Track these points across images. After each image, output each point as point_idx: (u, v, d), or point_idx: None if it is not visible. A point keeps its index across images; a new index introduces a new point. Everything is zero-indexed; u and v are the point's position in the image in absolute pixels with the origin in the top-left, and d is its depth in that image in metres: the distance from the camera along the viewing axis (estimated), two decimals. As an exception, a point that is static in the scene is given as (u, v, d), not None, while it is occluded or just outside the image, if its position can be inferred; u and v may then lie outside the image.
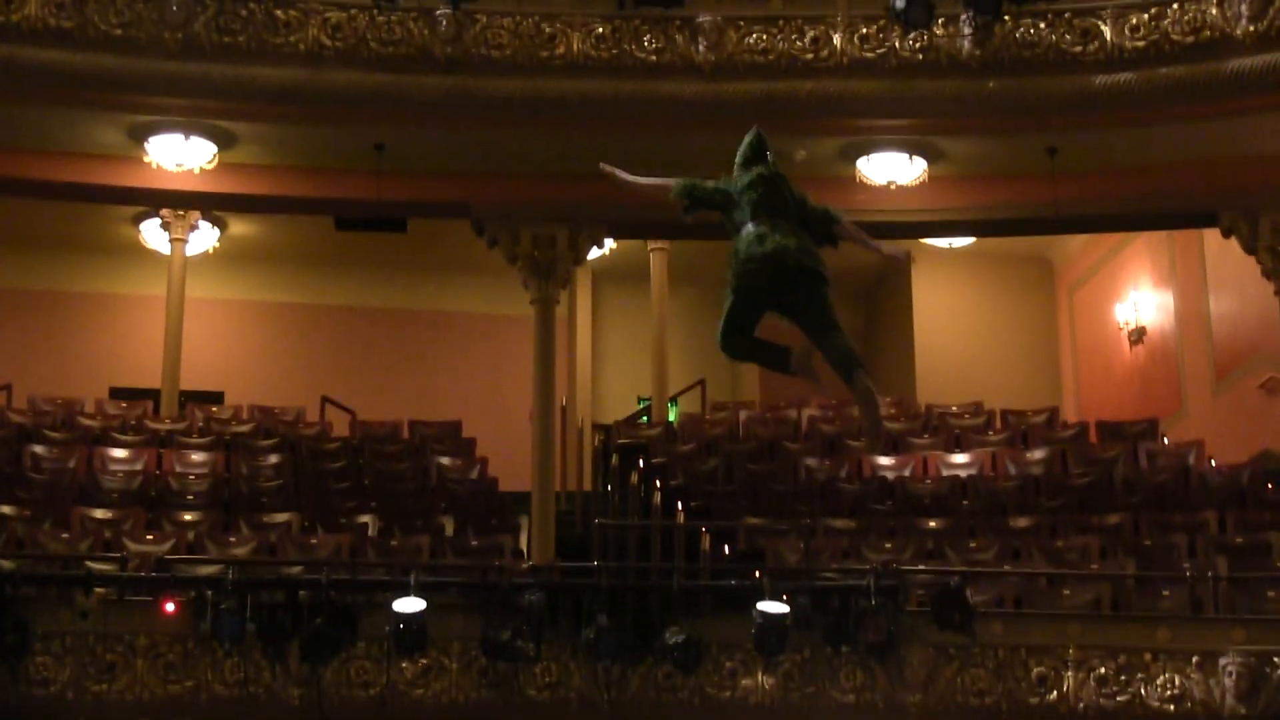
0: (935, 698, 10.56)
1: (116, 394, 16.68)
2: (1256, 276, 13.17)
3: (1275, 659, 10.46)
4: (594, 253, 14.44)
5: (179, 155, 13.07)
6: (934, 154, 13.15)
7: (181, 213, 15.77)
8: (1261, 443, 14.74)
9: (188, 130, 12.94)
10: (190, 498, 12.99)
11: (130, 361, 17.35)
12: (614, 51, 12.78)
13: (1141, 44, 12.51)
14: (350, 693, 10.41)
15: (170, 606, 10.25)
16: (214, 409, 15.88)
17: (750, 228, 6.67)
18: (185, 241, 16.10)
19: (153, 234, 16.57)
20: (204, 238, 16.58)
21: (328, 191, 13.57)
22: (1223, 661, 10.47)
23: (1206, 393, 16.22)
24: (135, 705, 10.28)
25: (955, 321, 18.22)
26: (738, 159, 6.92)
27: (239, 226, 16.89)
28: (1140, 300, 17.29)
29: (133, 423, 14.79)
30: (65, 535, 11.86)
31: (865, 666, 10.55)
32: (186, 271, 16.11)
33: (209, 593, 10.20)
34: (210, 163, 13.10)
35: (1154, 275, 17.17)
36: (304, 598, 10.21)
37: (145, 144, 13.04)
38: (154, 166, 13.12)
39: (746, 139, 6.95)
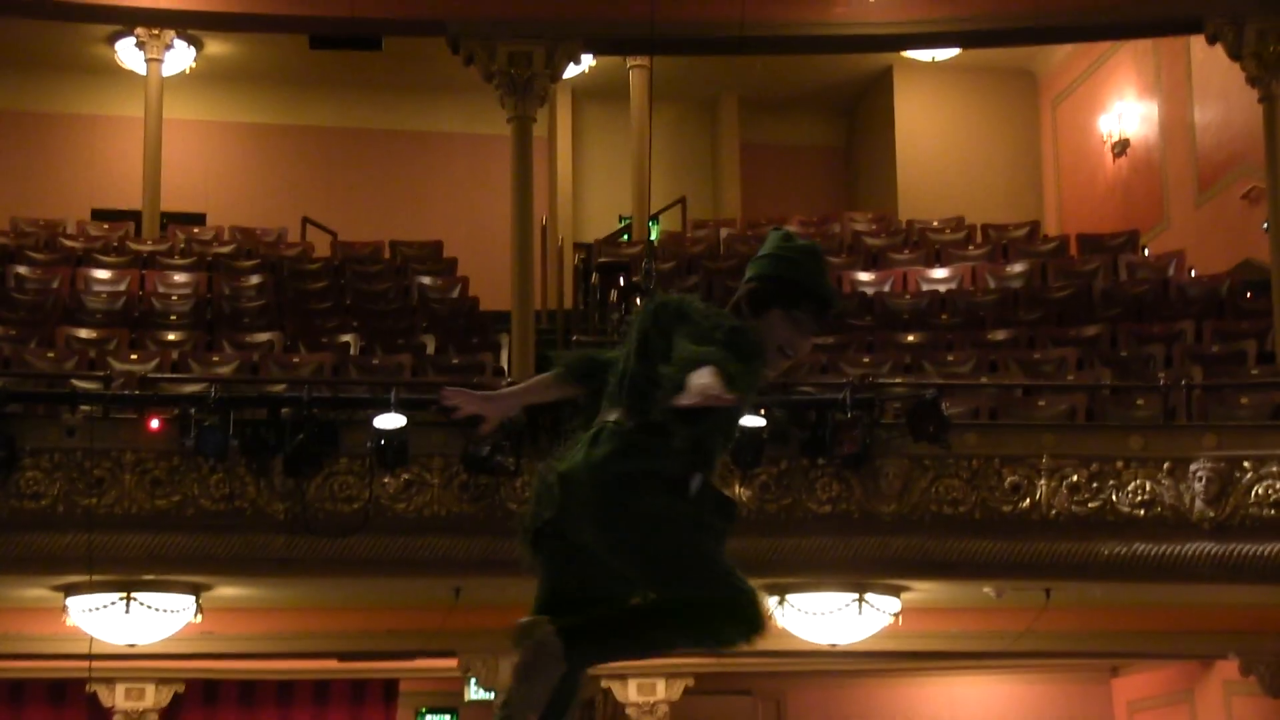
0: (909, 507, 10.70)
1: (98, 215, 16.64)
2: (1241, 84, 13.03)
3: (1245, 463, 10.60)
4: (572, 70, 14.28)
5: (150, -29, 12.89)
6: (915, -37, 12.97)
7: (156, 31, 15.55)
8: (1243, 252, 14.78)
9: (158, -56, 12.74)
10: (173, 318, 13.05)
11: (111, 183, 17.26)
12: None
13: None
14: (334, 507, 10.55)
15: (155, 423, 10.36)
16: (195, 230, 15.85)
17: None
18: (161, 61, 15.91)
19: (128, 54, 16.37)
20: (180, 57, 16.37)
21: (301, 9, 13.38)
22: (1193, 467, 10.61)
23: (1189, 204, 16.20)
24: (124, 518, 10.42)
25: (938, 135, 18.11)
26: None
27: (215, 46, 16.68)
28: (1124, 112, 17.18)
29: (115, 244, 14.78)
30: (51, 354, 11.94)
31: (841, 478, 10.69)
32: (164, 92, 15.96)
33: (192, 410, 10.30)
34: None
35: (1139, 86, 17.04)
36: (286, 415, 10.32)
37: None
38: (125, -16, 12.94)
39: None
